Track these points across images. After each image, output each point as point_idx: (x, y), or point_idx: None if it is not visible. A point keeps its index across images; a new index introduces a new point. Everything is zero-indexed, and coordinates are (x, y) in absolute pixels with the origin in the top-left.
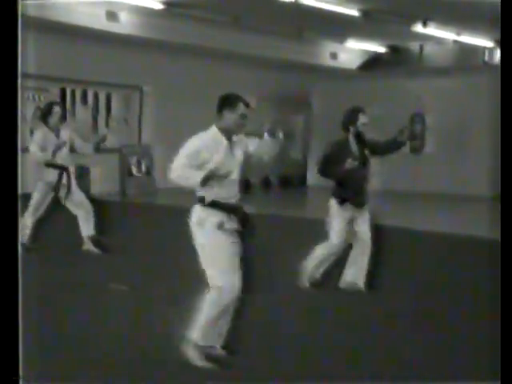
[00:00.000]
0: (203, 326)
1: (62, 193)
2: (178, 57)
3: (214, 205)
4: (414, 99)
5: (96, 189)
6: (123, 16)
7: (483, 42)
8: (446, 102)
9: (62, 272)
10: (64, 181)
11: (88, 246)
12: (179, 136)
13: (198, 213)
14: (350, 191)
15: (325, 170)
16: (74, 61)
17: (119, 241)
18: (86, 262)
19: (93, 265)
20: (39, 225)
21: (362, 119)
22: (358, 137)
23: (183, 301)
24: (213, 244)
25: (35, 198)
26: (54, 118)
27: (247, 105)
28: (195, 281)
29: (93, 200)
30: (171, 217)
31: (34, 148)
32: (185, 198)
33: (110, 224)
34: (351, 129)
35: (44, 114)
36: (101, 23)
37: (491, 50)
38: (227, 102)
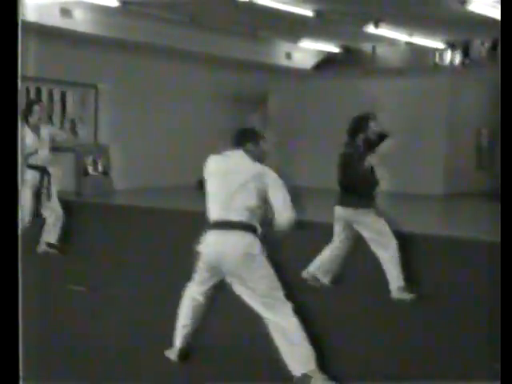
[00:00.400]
0: None
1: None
2: (134, 55)
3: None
4: (369, 99)
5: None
6: (77, 13)
7: (434, 43)
8: (398, 103)
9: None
10: (45, 182)
11: (43, 247)
12: (136, 135)
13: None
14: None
15: (343, 180)
16: (28, 58)
17: (75, 241)
18: (42, 264)
19: (50, 267)
20: None
21: (373, 126)
22: (369, 144)
23: (144, 301)
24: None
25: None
26: (34, 117)
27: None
28: (155, 281)
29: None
30: (128, 217)
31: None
32: (142, 199)
33: (67, 225)
34: (361, 136)
35: (24, 113)
36: (55, 20)
37: (442, 52)
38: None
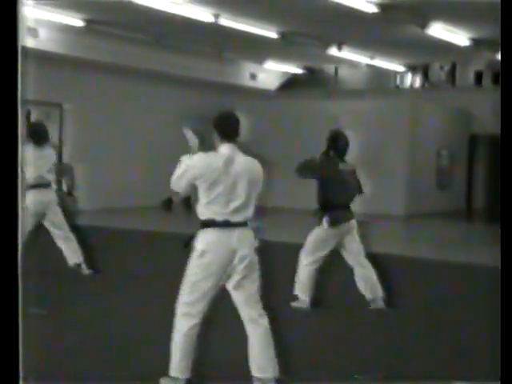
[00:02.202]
0: None
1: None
2: (100, 75)
3: None
4: (333, 119)
5: None
6: (43, 32)
7: (395, 66)
8: (360, 123)
9: None
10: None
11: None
12: (100, 155)
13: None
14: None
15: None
16: None
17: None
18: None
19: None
20: None
21: (342, 142)
22: (341, 157)
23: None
24: None
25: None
26: (40, 137)
27: None
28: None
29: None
30: (93, 238)
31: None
32: (107, 219)
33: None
34: (332, 152)
35: (31, 133)
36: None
37: (402, 74)
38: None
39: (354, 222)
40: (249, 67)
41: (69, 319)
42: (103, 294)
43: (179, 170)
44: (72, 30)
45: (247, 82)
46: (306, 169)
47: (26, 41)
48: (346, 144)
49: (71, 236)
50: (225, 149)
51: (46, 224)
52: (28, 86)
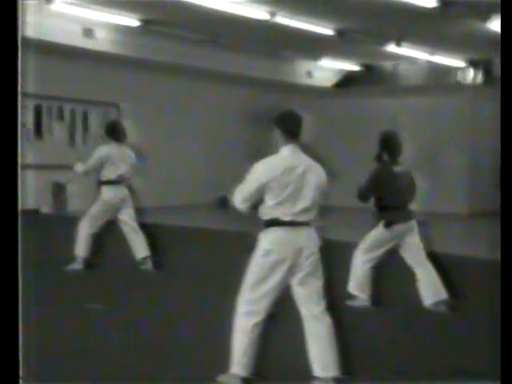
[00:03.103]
0: None
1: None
2: (155, 74)
3: None
4: (390, 118)
5: (73, 206)
6: (99, 33)
7: (455, 62)
8: (419, 121)
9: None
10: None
11: (147, 266)
12: (157, 154)
13: None
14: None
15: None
16: (51, 77)
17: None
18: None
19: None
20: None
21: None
22: (394, 159)
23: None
24: None
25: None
26: (119, 135)
27: None
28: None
29: None
30: (154, 235)
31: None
32: (163, 217)
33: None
34: (384, 155)
35: (109, 131)
36: (77, 40)
37: (463, 70)
38: None
39: (413, 223)
40: (305, 65)
41: (128, 315)
42: (165, 291)
43: (250, 177)
44: (128, 29)
45: (303, 79)
46: (364, 196)
47: (83, 42)
48: (399, 145)
49: (140, 230)
50: (290, 150)
51: (123, 217)
52: (85, 86)
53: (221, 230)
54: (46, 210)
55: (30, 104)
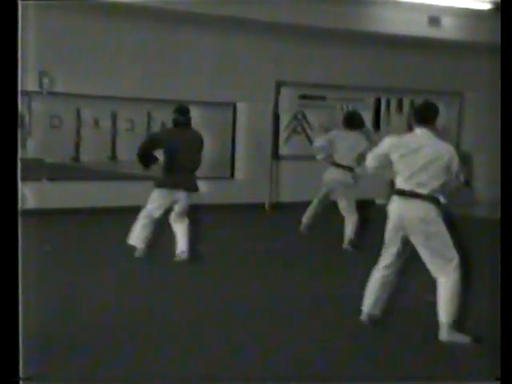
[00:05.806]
0: None
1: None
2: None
3: None
4: None
5: None
6: (445, 20)
7: None
8: None
9: None
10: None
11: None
12: (496, 144)
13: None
14: None
15: None
16: (401, 70)
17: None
18: None
19: None
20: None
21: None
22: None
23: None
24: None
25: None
26: (350, 123)
27: None
28: None
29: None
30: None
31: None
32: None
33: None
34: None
35: (347, 120)
36: (422, 30)
37: None
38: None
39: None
40: None
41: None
42: None
43: (380, 145)
44: (478, 14)
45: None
46: None
47: (429, 31)
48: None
49: (355, 217)
50: (420, 131)
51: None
52: (429, 76)
53: None
54: None
55: (370, 98)
